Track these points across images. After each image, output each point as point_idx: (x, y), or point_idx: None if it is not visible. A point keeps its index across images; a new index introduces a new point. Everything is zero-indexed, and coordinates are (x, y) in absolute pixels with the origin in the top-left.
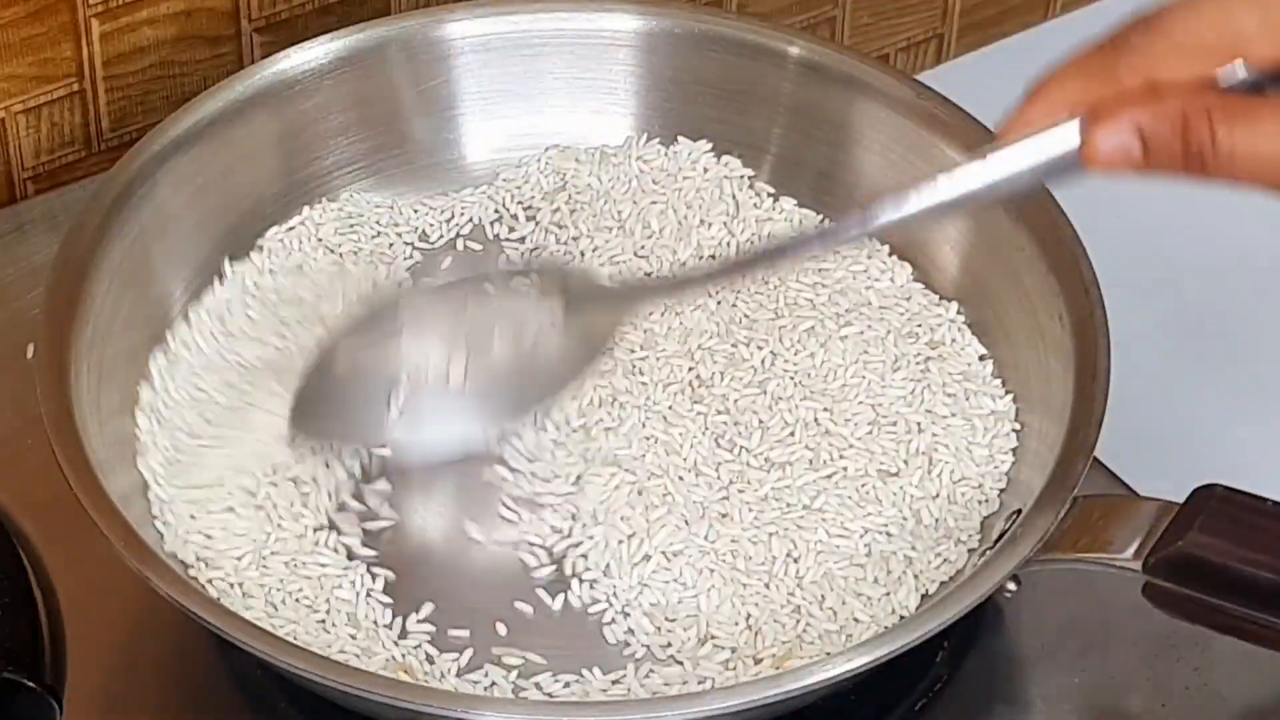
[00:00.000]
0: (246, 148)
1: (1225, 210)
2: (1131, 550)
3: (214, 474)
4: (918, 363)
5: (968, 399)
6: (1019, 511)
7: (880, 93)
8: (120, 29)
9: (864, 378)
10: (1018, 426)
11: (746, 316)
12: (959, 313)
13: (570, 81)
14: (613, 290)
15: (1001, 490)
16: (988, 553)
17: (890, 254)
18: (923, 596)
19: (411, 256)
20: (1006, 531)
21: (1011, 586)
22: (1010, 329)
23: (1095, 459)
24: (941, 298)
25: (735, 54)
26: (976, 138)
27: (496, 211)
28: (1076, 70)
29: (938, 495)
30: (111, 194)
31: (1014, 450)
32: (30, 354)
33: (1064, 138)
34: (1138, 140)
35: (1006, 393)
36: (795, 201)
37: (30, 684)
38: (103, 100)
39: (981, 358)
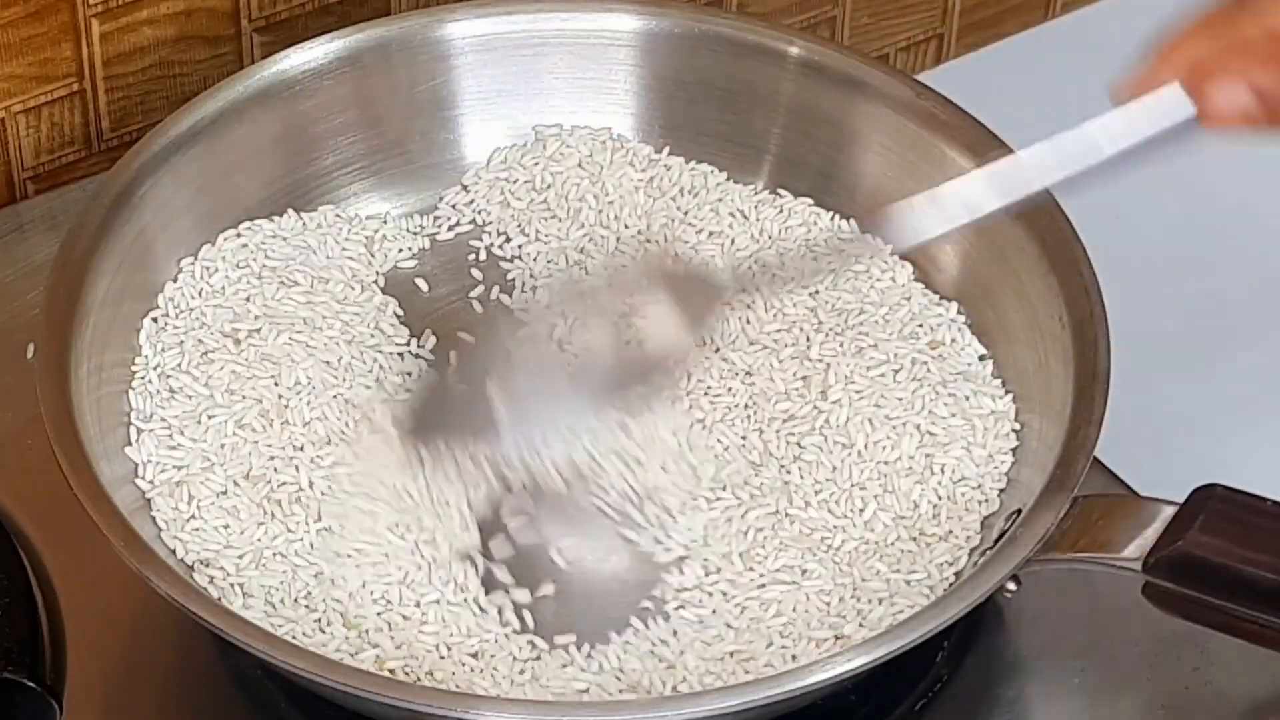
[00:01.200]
0: (246, 148)
1: (1226, 209)
2: (1131, 550)
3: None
4: (918, 363)
5: (968, 399)
6: (1019, 511)
7: (880, 93)
8: (120, 29)
9: (864, 378)
10: (1017, 426)
11: (746, 317)
12: (959, 313)
13: (570, 81)
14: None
15: (1001, 490)
16: (988, 553)
17: (891, 253)
18: (923, 596)
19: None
20: (1006, 531)
21: (1011, 586)
22: (1010, 329)
23: (1095, 459)
24: (942, 297)
25: (735, 54)
26: (977, 137)
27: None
28: (1198, 28)
29: (938, 495)
30: (111, 194)
31: (1014, 450)
32: (30, 354)
33: (1180, 98)
34: (1254, 97)
35: (1006, 393)
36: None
37: (30, 684)
38: (103, 100)
39: (981, 357)
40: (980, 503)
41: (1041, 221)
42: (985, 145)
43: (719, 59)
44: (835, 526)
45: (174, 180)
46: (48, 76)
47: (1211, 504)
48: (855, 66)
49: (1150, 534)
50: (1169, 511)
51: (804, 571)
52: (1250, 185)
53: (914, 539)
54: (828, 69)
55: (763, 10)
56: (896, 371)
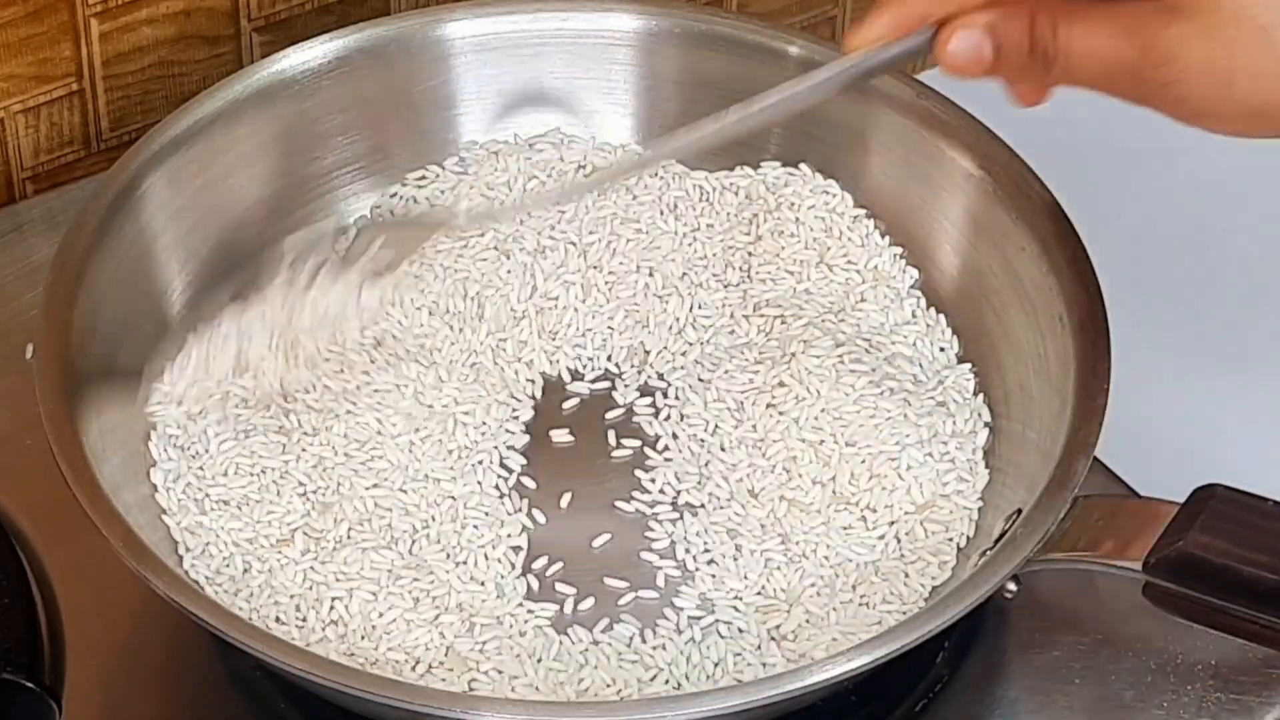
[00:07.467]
0: (245, 147)
1: (1226, 210)
2: (1132, 550)
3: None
4: (895, 377)
5: (945, 406)
6: (1019, 511)
7: (880, 93)
8: (119, 29)
9: (845, 390)
10: (989, 420)
11: (738, 321)
12: (940, 314)
13: (570, 81)
14: None
15: (984, 489)
16: (988, 553)
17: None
18: (923, 600)
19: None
20: (1007, 532)
21: (1012, 587)
22: (1010, 329)
23: (1095, 459)
24: (931, 305)
25: (735, 54)
26: (977, 137)
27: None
28: None
29: (925, 503)
30: (110, 194)
31: (988, 451)
32: (30, 354)
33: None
34: (989, 41)
35: (975, 390)
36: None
37: (29, 685)
38: (102, 100)
39: (961, 359)
40: (965, 509)
41: (1041, 221)
42: (985, 145)
43: (719, 59)
44: (832, 531)
45: (173, 180)
46: (47, 76)
47: (1211, 504)
48: None
49: (1150, 534)
50: (1169, 511)
51: (809, 585)
52: (1251, 186)
53: (908, 544)
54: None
55: (763, 10)
56: (880, 394)
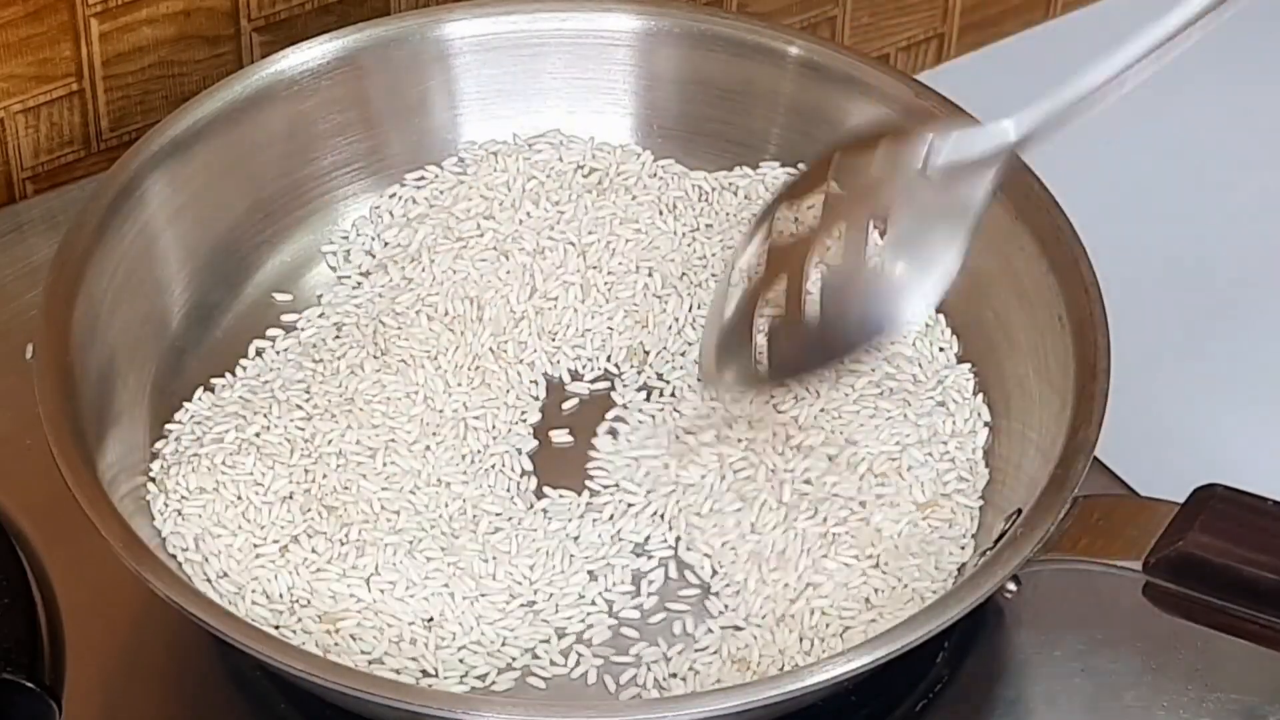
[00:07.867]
0: (245, 147)
1: (1225, 209)
2: (1132, 550)
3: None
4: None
5: (942, 405)
6: (1019, 511)
7: (880, 93)
8: (119, 29)
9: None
10: (989, 420)
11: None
12: (940, 314)
13: (570, 81)
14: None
15: (985, 489)
16: (988, 553)
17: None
18: (923, 599)
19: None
20: (1006, 531)
21: (1011, 586)
22: (1010, 329)
23: (1095, 459)
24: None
25: (735, 54)
26: None
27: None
28: None
29: (925, 503)
30: (110, 194)
31: (988, 451)
32: (29, 354)
33: None
34: None
35: (975, 390)
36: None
37: (29, 685)
38: (102, 100)
39: (960, 359)
40: (966, 508)
41: (1041, 221)
42: None
43: (719, 59)
44: (833, 534)
45: (173, 180)
46: (47, 76)
47: (1211, 504)
48: (855, 66)
49: (1150, 534)
50: (1169, 511)
51: (810, 585)
52: (1252, 186)
53: (908, 546)
54: (828, 69)
55: (763, 10)
56: (880, 394)
